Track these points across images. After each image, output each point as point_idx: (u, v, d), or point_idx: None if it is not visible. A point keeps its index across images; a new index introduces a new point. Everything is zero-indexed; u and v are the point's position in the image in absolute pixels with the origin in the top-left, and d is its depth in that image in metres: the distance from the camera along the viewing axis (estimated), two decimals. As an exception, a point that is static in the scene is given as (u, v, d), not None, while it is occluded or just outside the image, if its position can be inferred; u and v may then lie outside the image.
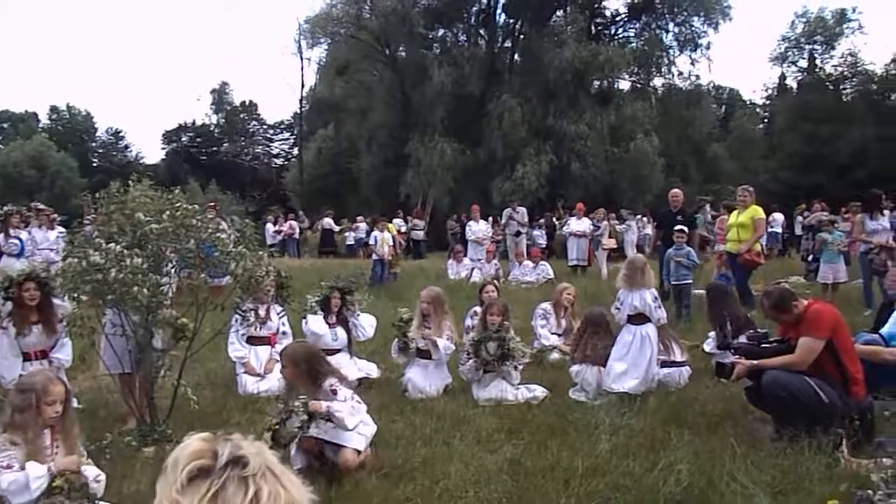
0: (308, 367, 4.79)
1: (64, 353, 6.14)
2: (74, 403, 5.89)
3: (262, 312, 6.94)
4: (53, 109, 62.26)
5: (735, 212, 10.93)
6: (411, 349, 6.99)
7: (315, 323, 7.24)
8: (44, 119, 61.93)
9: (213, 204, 15.60)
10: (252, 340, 7.17)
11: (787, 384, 5.02)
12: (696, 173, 36.09)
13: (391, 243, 15.53)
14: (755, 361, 5.30)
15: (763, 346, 5.46)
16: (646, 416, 5.68)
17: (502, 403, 6.27)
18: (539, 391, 6.50)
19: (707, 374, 7.04)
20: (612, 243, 17.01)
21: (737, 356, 5.55)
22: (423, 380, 6.75)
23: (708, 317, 7.27)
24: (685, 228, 10.50)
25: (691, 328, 9.10)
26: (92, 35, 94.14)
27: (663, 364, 6.91)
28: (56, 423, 3.88)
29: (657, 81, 37.97)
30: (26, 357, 6.04)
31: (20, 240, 11.48)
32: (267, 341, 7.27)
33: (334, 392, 4.71)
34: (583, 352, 6.67)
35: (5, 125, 61.71)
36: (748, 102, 52.31)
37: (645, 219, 21.55)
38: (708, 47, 35.48)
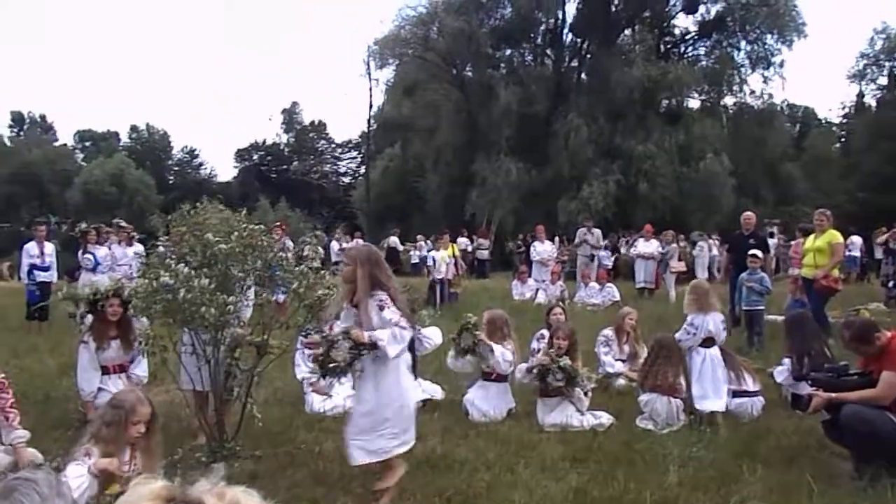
0: (367, 271, 4.58)
1: (141, 369, 6.33)
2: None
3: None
4: (133, 129, 64.84)
5: (812, 235, 10.57)
6: (478, 349, 6.88)
7: (430, 329, 7.27)
8: (124, 138, 64.51)
9: (280, 224, 15.95)
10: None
11: (868, 419, 4.81)
12: (768, 194, 35.10)
13: (451, 263, 15.52)
14: (834, 394, 5.09)
15: (843, 378, 5.24)
16: (716, 448, 5.51)
17: (567, 430, 6.17)
18: (605, 418, 6.38)
19: (781, 405, 6.81)
20: (681, 266, 16.64)
21: (814, 388, 5.34)
22: (486, 402, 6.71)
23: (786, 345, 7.02)
24: (758, 253, 10.20)
25: (763, 356, 8.81)
26: (171, 57, 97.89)
27: (735, 394, 6.72)
28: (138, 442, 4.01)
29: (728, 100, 37.25)
30: (104, 371, 6.24)
31: (94, 255, 11.92)
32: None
33: (381, 308, 4.49)
34: (653, 380, 6.49)
35: (88, 144, 64.57)
36: (823, 121, 50.74)
37: (715, 241, 21.06)
38: (781, 65, 34.66)
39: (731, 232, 13.15)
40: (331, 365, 4.55)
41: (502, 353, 6.82)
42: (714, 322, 6.81)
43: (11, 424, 4.97)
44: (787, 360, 6.82)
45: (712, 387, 6.60)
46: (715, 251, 20.58)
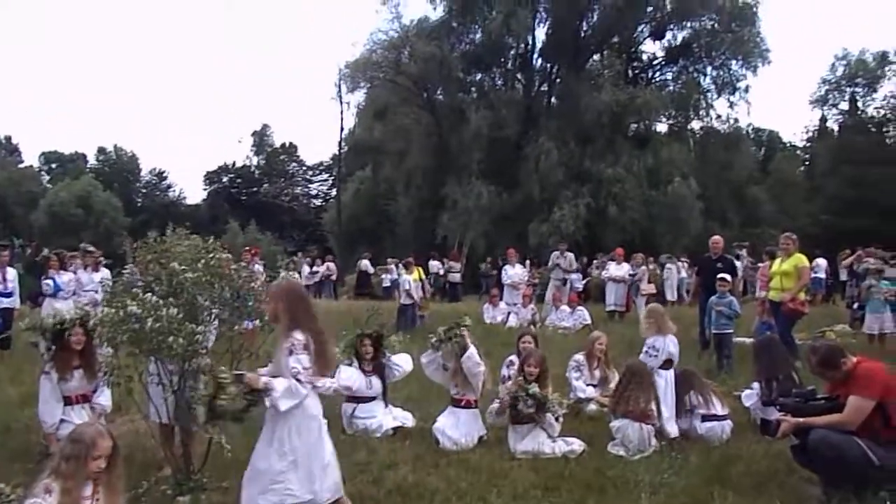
0: (286, 307, 4.39)
1: (104, 398, 6.20)
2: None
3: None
4: (101, 150, 64.20)
5: (778, 259, 10.72)
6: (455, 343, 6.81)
7: (347, 373, 7.16)
8: (91, 160, 63.79)
9: (250, 249, 15.76)
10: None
11: (836, 444, 4.85)
12: (735, 217, 35.67)
13: (418, 286, 15.46)
14: (802, 419, 5.13)
15: (810, 403, 5.28)
16: (687, 475, 5.52)
17: (539, 457, 6.14)
18: (577, 444, 6.36)
19: (750, 429, 6.86)
20: (651, 288, 16.78)
21: (782, 413, 5.38)
22: (456, 430, 6.65)
23: (755, 369, 7.11)
24: (727, 276, 10.31)
25: (733, 378, 8.88)
26: (140, 78, 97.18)
27: (704, 418, 6.76)
28: (100, 477, 3.91)
29: (695, 124, 37.96)
30: (67, 401, 6.10)
31: (54, 280, 11.73)
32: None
33: (289, 352, 4.26)
34: (625, 405, 6.49)
35: (54, 165, 63.76)
36: (788, 145, 51.89)
37: (683, 263, 21.30)
38: (747, 90, 35.45)
39: (699, 255, 13.29)
40: (218, 408, 4.42)
41: (474, 354, 6.75)
42: (673, 343, 7.16)
43: None
44: (755, 385, 6.89)
45: (671, 410, 6.82)
46: (684, 273, 20.83)
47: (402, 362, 7.52)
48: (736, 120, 36.85)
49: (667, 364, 7.11)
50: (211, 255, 5.30)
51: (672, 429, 6.71)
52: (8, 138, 64.67)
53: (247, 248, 16.18)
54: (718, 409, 6.85)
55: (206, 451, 5.45)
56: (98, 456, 3.87)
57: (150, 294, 4.94)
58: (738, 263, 14.74)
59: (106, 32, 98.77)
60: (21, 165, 62.26)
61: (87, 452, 3.84)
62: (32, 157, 66.22)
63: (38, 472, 4.46)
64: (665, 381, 6.97)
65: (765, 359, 6.97)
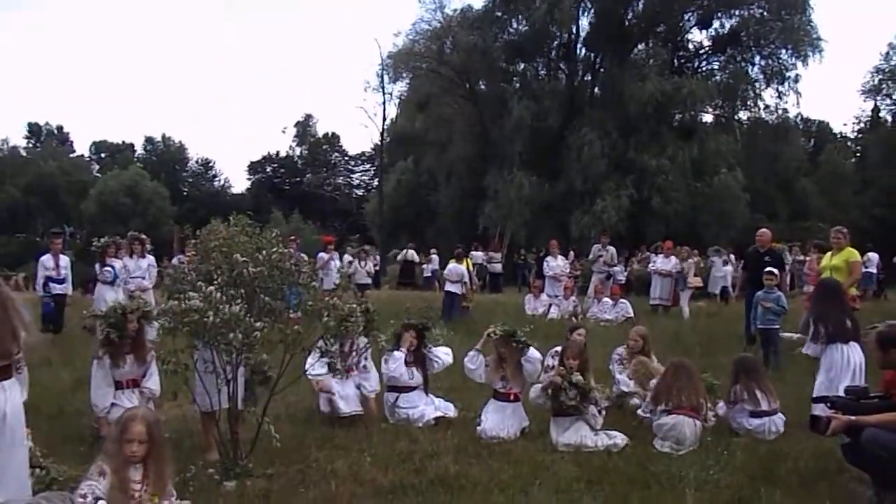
0: None
1: (153, 382, 6.33)
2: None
3: (346, 348, 6.96)
4: (149, 140, 65.40)
5: (828, 253, 10.45)
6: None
7: (395, 363, 7.24)
8: (139, 149, 65.05)
9: (293, 238, 16.00)
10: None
11: (889, 444, 4.73)
12: (782, 209, 34.98)
13: (466, 278, 15.49)
14: (853, 417, 5.01)
15: (862, 401, 5.15)
16: (733, 471, 5.43)
17: (581, 450, 6.09)
18: (619, 438, 6.29)
19: (799, 428, 6.71)
20: (697, 282, 16.49)
21: (833, 410, 5.26)
22: (500, 424, 6.65)
23: (812, 312, 7.00)
24: (775, 270, 10.10)
25: (781, 377, 8.70)
26: (187, 69, 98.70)
27: (751, 414, 6.64)
28: (148, 462, 3.98)
29: (742, 115, 37.27)
30: (118, 386, 6.24)
31: (113, 268, 11.95)
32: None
33: None
34: (676, 400, 6.35)
35: (104, 155, 65.19)
36: (839, 136, 50.54)
37: (730, 256, 20.93)
38: (796, 80, 34.66)
39: (746, 248, 13.05)
40: None
41: (536, 355, 6.79)
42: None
43: None
44: (811, 343, 6.83)
45: None
46: (730, 267, 20.46)
47: (442, 354, 7.56)
48: (785, 110, 36.09)
49: None
50: (274, 250, 5.39)
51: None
52: (59, 128, 66.42)
53: (291, 237, 16.37)
54: (766, 404, 6.72)
55: (253, 438, 5.55)
56: (129, 440, 3.92)
57: (212, 287, 5.02)
58: (786, 257, 14.44)
59: (155, 24, 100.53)
60: (72, 155, 63.85)
61: (121, 434, 3.93)
62: (83, 146, 67.79)
63: (90, 454, 4.60)
64: None
65: (823, 299, 6.89)
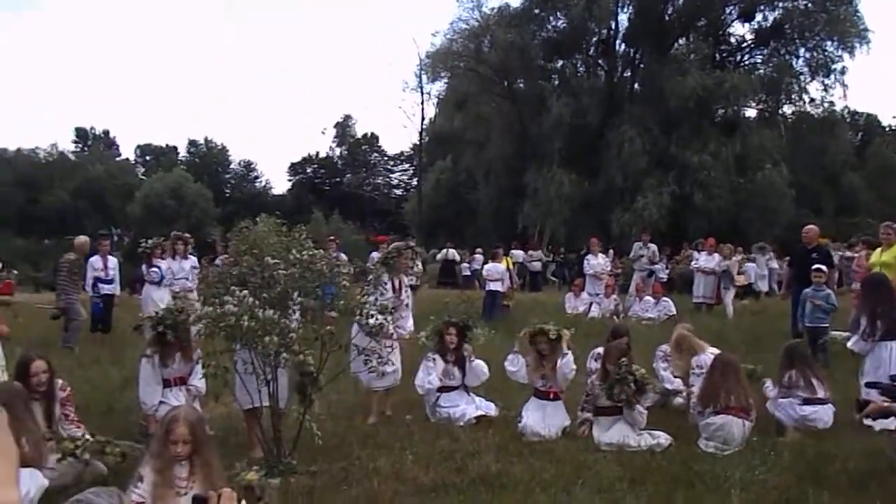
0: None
1: (199, 380, 6.44)
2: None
3: (396, 284, 7.09)
4: (192, 143, 66.43)
5: (878, 250, 10.18)
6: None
7: (437, 367, 7.28)
8: (183, 152, 66.16)
9: (333, 238, 16.15)
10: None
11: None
12: (829, 204, 34.18)
13: (506, 276, 15.44)
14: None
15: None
16: (780, 472, 5.34)
17: (624, 450, 6.05)
18: (663, 438, 6.23)
19: (847, 428, 6.57)
20: (742, 280, 16.22)
21: (885, 399, 5.14)
22: (542, 422, 6.63)
23: (861, 309, 6.89)
24: (823, 267, 9.88)
25: (830, 375, 8.51)
26: (228, 73, 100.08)
27: (805, 401, 6.53)
28: (194, 460, 4.06)
29: (787, 109, 36.42)
30: (166, 384, 6.37)
31: (160, 269, 12.18)
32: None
33: None
34: (725, 400, 6.23)
35: (148, 158, 66.47)
36: (887, 129, 49.12)
37: (774, 254, 20.54)
38: (843, 72, 33.73)
39: (794, 245, 12.77)
40: None
41: (571, 361, 6.77)
42: (712, 356, 6.97)
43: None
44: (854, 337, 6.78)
45: None
46: (775, 264, 20.09)
47: (479, 370, 7.50)
48: (831, 103, 35.08)
49: None
50: (304, 252, 5.44)
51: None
52: (106, 132, 67.82)
53: (330, 237, 16.52)
54: (821, 392, 6.61)
55: (295, 435, 5.62)
56: (174, 440, 4.01)
57: (245, 292, 5.10)
58: (833, 254, 14.09)
59: (196, 28, 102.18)
60: (118, 158, 65.15)
61: (165, 436, 4.02)
62: (128, 150, 68.98)
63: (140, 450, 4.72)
64: None
65: (871, 294, 6.82)
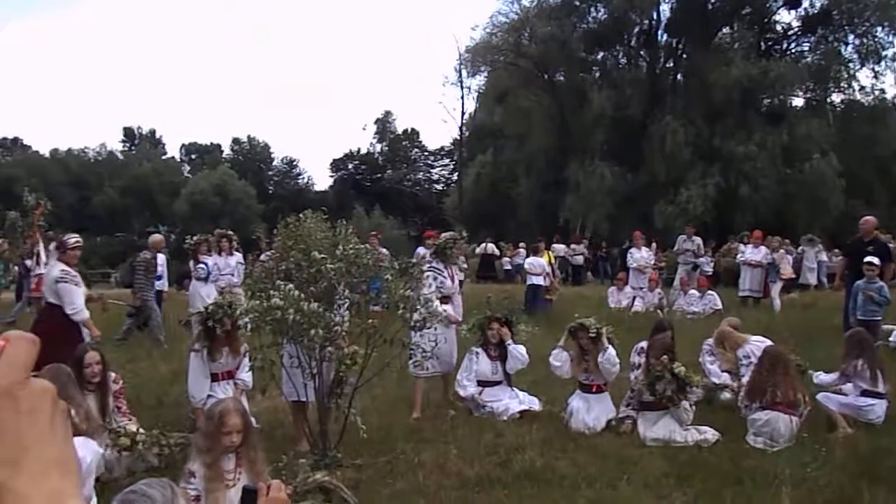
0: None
1: (247, 374, 6.53)
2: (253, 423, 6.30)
3: (450, 271, 7.17)
4: (235, 141, 67.39)
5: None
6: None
7: (481, 359, 7.27)
8: (227, 150, 67.17)
9: (374, 233, 16.24)
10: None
11: None
12: (881, 194, 33.15)
13: (549, 270, 15.34)
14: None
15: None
16: (833, 469, 5.22)
17: (670, 445, 5.98)
18: (710, 434, 6.14)
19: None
20: (790, 272, 15.86)
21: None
22: (588, 414, 6.60)
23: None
24: (875, 260, 9.61)
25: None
26: (270, 71, 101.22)
27: (864, 392, 6.39)
28: (240, 452, 4.13)
29: (835, 97, 35.41)
30: (214, 378, 6.49)
31: (206, 265, 12.38)
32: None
33: None
34: (772, 396, 6.11)
35: (193, 156, 67.64)
36: (942, 116, 47.54)
37: (822, 246, 20.05)
38: (894, 59, 32.70)
39: (842, 236, 12.45)
40: None
41: (613, 356, 6.71)
42: (757, 344, 7.01)
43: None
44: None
45: None
46: (824, 256, 19.62)
47: (518, 354, 7.47)
48: (882, 91, 34.02)
49: None
50: (350, 247, 5.49)
51: None
52: (152, 132, 69.21)
53: (372, 232, 16.62)
54: (881, 386, 6.48)
55: (341, 429, 5.67)
56: (228, 432, 4.07)
57: (291, 286, 5.16)
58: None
59: (237, 28, 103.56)
60: (164, 157, 66.46)
61: (218, 428, 4.07)
62: (174, 148, 70.34)
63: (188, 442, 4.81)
64: None
65: None
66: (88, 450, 4.38)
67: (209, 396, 6.29)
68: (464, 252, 19.45)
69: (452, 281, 7.74)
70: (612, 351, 6.72)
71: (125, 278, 11.66)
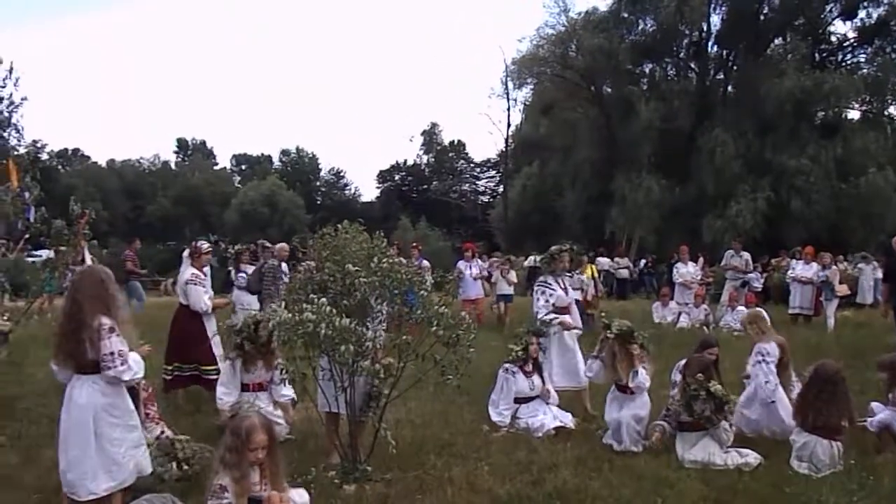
0: (95, 293, 4.37)
1: (288, 388, 6.54)
2: (285, 433, 6.30)
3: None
4: (284, 152, 68.47)
5: None
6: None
7: (518, 378, 7.24)
8: (276, 161, 68.22)
9: (415, 245, 16.27)
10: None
11: None
12: (941, 211, 32.04)
13: (590, 285, 15.08)
14: None
15: None
16: (879, 499, 4.99)
17: (709, 468, 5.79)
18: (752, 457, 5.92)
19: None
20: (844, 290, 15.35)
21: None
22: (618, 409, 6.61)
23: None
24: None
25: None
26: (319, 83, 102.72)
27: None
28: (265, 464, 4.14)
29: (893, 110, 34.46)
30: (245, 388, 6.55)
31: (247, 274, 12.52)
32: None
33: (99, 336, 4.26)
34: (815, 418, 5.86)
35: (244, 167, 68.88)
36: None
37: (878, 262, 19.41)
38: (952, 70, 31.63)
39: (890, 256, 12.02)
40: None
41: (642, 380, 6.59)
42: (775, 348, 6.85)
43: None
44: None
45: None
46: (879, 273, 18.99)
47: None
48: (943, 103, 33.10)
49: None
50: (385, 260, 5.47)
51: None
52: (203, 142, 70.71)
53: (413, 244, 16.66)
54: None
55: (372, 442, 5.63)
56: (254, 448, 4.10)
57: (324, 300, 5.15)
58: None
59: (286, 41, 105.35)
60: (216, 167, 67.85)
61: (244, 444, 4.09)
62: (225, 159, 71.88)
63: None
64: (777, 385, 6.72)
65: None
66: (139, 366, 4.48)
67: (236, 404, 6.37)
68: (515, 266, 19.35)
69: (567, 292, 8.05)
70: (642, 375, 6.58)
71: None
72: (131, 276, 16.07)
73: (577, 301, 14.53)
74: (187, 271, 7.87)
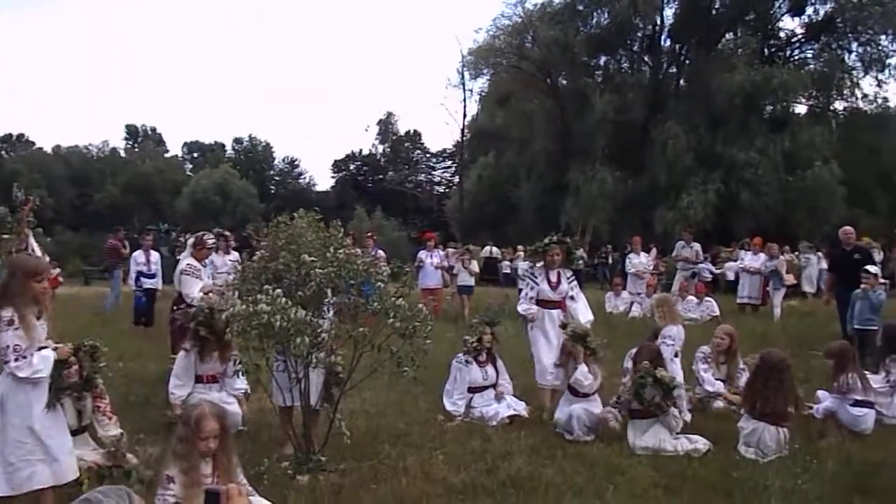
0: (3, 284, 4.34)
1: (242, 381, 6.44)
2: (239, 426, 6.20)
3: None
4: (237, 140, 67.41)
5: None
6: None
7: (472, 369, 7.26)
8: (229, 149, 67.15)
9: (370, 234, 16.19)
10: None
11: None
12: (883, 204, 33.05)
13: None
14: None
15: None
16: (824, 482, 5.13)
17: (660, 454, 5.89)
18: (701, 443, 6.04)
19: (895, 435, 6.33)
20: (791, 280, 15.76)
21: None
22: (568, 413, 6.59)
23: (878, 354, 6.75)
24: (872, 269, 9.56)
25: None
26: (272, 71, 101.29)
27: (856, 403, 6.33)
28: (217, 455, 4.05)
29: (838, 105, 35.36)
30: (198, 380, 6.43)
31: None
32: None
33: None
34: (762, 405, 5.98)
35: (195, 155, 67.65)
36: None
37: (822, 253, 19.98)
38: (898, 67, 32.55)
39: (832, 248, 12.45)
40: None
41: (581, 377, 6.68)
42: (681, 332, 7.52)
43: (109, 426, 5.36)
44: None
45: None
46: (824, 264, 19.54)
47: (505, 383, 7.51)
48: (885, 99, 33.96)
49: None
50: (341, 250, 5.40)
51: (687, 417, 6.59)
52: (154, 129, 69.21)
53: (368, 234, 16.58)
54: (871, 395, 6.44)
55: (326, 433, 5.59)
56: (204, 437, 3.98)
57: (279, 291, 5.06)
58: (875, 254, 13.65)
59: (240, 27, 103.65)
60: (166, 155, 66.48)
61: (194, 434, 3.99)
62: (176, 147, 70.42)
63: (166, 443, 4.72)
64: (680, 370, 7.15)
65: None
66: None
67: (189, 395, 6.25)
68: (474, 255, 19.31)
69: (555, 287, 7.68)
70: (581, 372, 6.67)
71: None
72: (117, 265, 16.03)
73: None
74: (184, 261, 8.01)
